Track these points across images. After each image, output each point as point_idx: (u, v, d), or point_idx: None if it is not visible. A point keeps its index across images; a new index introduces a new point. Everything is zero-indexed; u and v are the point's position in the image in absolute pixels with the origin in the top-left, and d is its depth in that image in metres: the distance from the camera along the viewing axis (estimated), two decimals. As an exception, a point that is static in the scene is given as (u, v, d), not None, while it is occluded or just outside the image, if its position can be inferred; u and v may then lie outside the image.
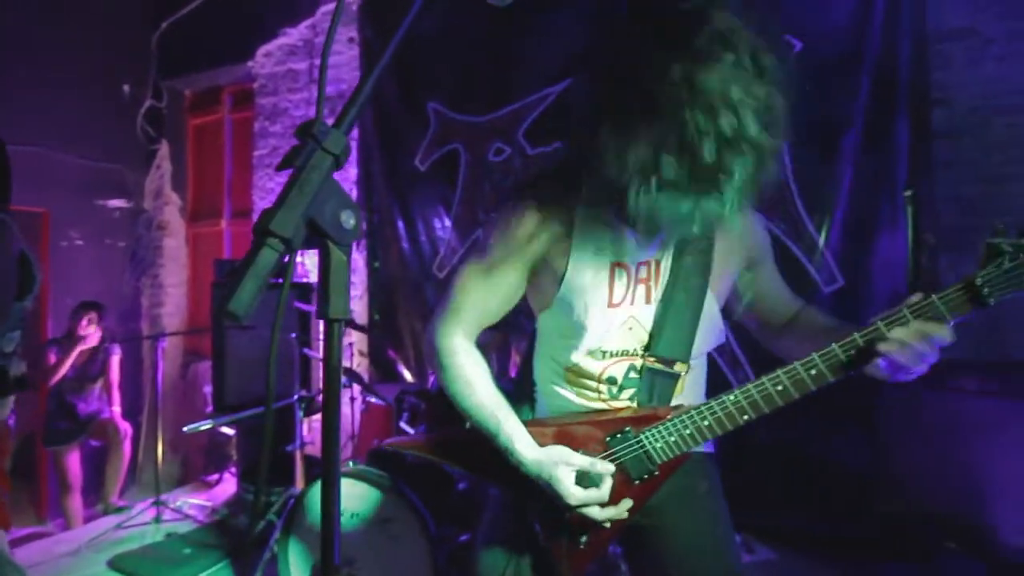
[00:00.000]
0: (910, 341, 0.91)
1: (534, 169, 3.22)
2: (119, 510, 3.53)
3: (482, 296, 1.11)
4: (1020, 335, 2.40)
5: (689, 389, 1.13)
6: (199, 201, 4.83)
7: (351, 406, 3.18)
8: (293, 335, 2.77)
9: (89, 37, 4.27)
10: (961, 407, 1.82)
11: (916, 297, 0.94)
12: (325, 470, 0.61)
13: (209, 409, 3.93)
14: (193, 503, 3.45)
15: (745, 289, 1.19)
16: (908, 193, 2.55)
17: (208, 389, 4.08)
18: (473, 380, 1.09)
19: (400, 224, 3.63)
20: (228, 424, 3.56)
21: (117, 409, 3.83)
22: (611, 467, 1.02)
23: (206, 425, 2.58)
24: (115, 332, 3.99)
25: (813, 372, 0.96)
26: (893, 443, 2.01)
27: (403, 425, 2.49)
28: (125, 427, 3.77)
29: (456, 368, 1.10)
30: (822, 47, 2.61)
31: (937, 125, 2.56)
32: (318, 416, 3.55)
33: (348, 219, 0.54)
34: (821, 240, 2.65)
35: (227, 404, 3.31)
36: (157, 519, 3.19)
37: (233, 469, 3.97)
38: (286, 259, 0.51)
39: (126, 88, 4.56)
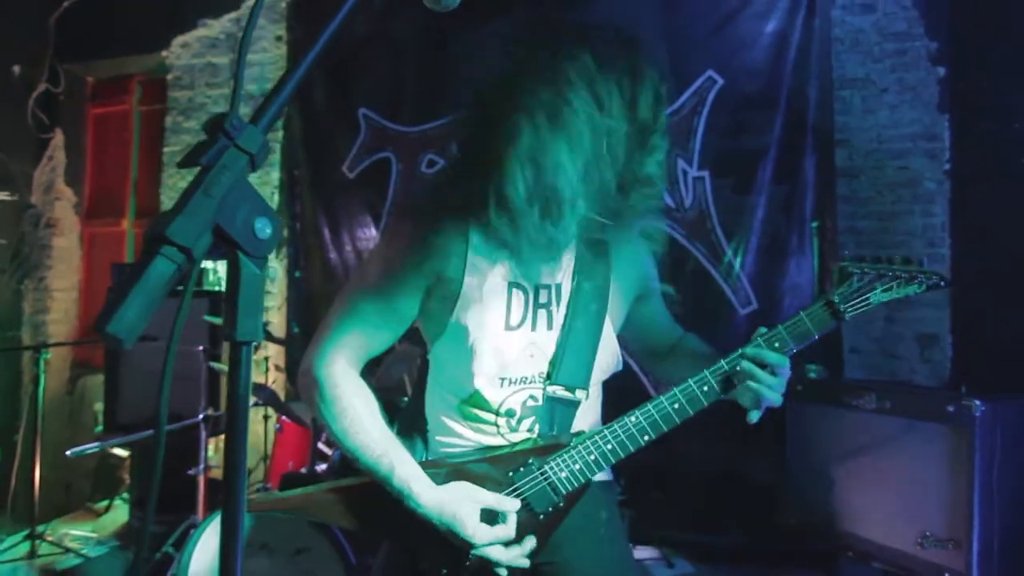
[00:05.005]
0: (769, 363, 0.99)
1: (425, 185, 3.17)
2: (-16, 545, 3.10)
3: (369, 321, 1.03)
4: (908, 361, 2.69)
5: (587, 416, 1.11)
6: (98, 198, 4.40)
7: (264, 425, 2.97)
8: (200, 348, 2.56)
9: (-27, 10, 3.81)
10: (860, 423, 1.95)
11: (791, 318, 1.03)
12: (226, 507, 0.54)
13: (99, 429, 3.58)
14: (76, 534, 3.09)
15: (636, 317, 1.18)
16: (815, 224, 2.75)
17: (99, 406, 3.69)
18: (360, 416, 0.99)
19: (326, 232, 3.46)
20: (120, 446, 3.23)
21: (-16, 429, 3.37)
22: (517, 503, 0.99)
23: (94, 448, 2.31)
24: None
25: (705, 388, 1.01)
26: (799, 458, 2.13)
27: (321, 446, 2.35)
28: None
29: (339, 401, 0.99)
30: (742, 84, 2.78)
31: (839, 164, 2.80)
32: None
33: (264, 228, 0.47)
34: (737, 264, 2.79)
35: (120, 423, 3.00)
36: (32, 553, 2.82)
37: (126, 495, 3.60)
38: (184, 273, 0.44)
39: (16, 69, 4.10)
